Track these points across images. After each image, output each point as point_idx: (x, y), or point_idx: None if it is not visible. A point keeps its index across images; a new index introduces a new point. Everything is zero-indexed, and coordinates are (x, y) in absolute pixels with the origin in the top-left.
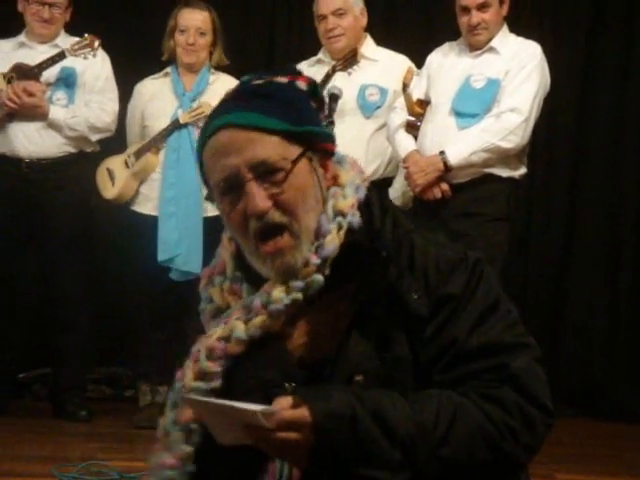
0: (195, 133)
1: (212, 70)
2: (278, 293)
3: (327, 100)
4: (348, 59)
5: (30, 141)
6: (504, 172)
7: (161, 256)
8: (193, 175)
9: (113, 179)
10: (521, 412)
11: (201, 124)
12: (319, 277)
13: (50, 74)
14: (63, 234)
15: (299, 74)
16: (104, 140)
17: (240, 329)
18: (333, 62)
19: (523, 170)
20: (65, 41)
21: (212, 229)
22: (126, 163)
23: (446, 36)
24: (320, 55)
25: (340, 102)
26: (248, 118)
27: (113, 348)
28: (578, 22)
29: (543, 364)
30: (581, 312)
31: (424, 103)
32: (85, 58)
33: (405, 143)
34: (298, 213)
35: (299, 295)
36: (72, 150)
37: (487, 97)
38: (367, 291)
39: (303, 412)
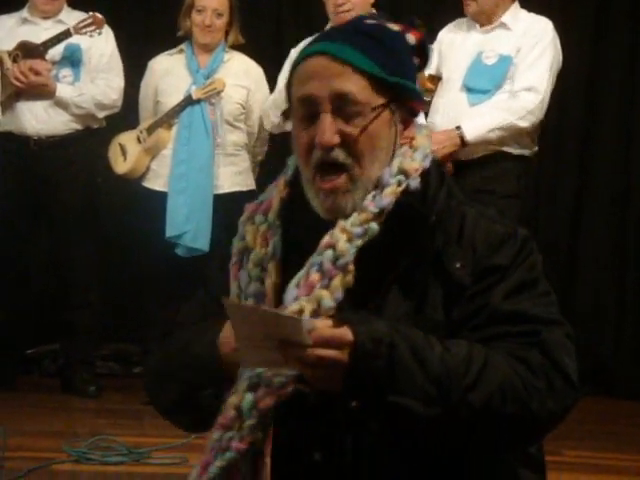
0: (207, 109)
1: (227, 49)
2: (343, 244)
3: None
4: None
5: (38, 119)
6: (515, 150)
7: (169, 232)
8: (204, 152)
9: (125, 154)
10: (546, 376)
11: (214, 100)
12: (375, 225)
13: (55, 52)
14: (72, 210)
15: (414, 28)
16: (111, 116)
17: (327, 297)
18: None
19: (534, 148)
20: (68, 16)
21: (222, 206)
22: (138, 139)
23: (452, 11)
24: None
25: None
26: (347, 53)
27: (122, 324)
28: (586, 4)
29: (574, 342)
30: (589, 292)
31: (435, 79)
32: (91, 36)
33: None
34: (363, 160)
35: (360, 242)
36: (79, 127)
37: (498, 73)
38: (412, 253)
39: (344, 331)
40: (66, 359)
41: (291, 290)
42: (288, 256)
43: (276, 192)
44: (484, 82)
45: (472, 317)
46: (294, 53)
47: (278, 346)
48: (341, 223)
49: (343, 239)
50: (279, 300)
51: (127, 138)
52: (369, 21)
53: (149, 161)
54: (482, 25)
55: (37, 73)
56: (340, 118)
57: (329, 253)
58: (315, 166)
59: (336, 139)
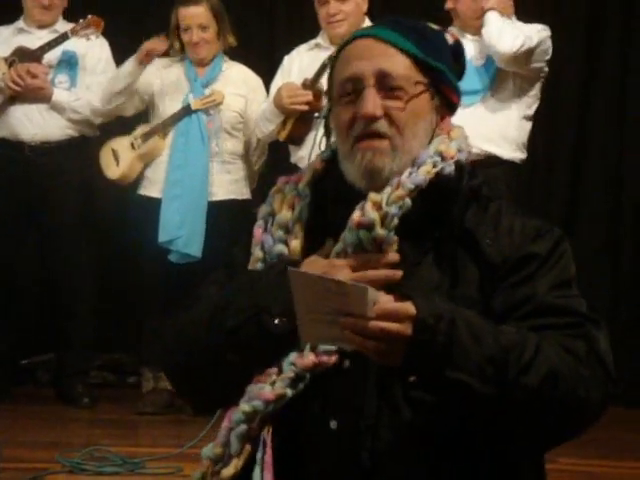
0: (204, 119)
1: (225, 58)
2: (380, 229)
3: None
4: None
5: (33, 124)
6: (505, 153)
7: (162, 237)
8: (200, 159)
9: (118, 159)
10: (591, 366)
11: (212, 112)
12: (409, 201)
13: (51, 57)
14: (66, 218)
15: (448, 29)
16: (105, 124)
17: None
18: (332, 47)
19: (523, 155)
20: (64, 27)
21: (216, 214)
22: (132, 145)
23: (445, 19)
24: (319, 39)
25: None
26: (389, 35)
27: (116, 334)
28: (579, 9)
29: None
30: (582, 296)
31: None
32: (88, 39)
33: None
34: (405, 132)
35: (396, 221)
36: (74, 134)
37: (488, 72)
38: (444, 229)
39: (407, 305)
40: (60, 369)
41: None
42: (314, 224)
43: (310, 166)
44: (474, 82)
45: (518, 306)
46: (287, 60)
47: (339, 319)
48: (373, 196)
49: (377, 219)
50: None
51: (120, 144)
52: (408, 19)
53: (142, 168)
54: (473, 34)
55: (34, 76)
56: (384, 93)
57: (365, 234)
58: (357, 136)
59: (379, 111)
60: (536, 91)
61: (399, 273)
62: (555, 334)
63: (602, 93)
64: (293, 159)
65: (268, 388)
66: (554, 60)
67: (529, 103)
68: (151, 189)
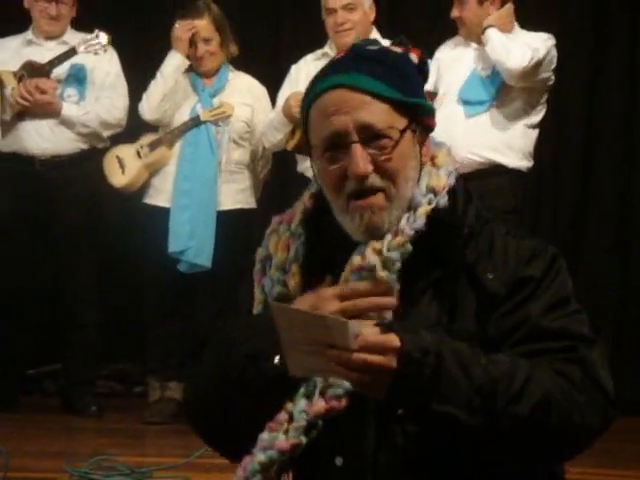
0: (213, 130)
1: (231, 68)
2: (382, 272)
3: None
4: None
5: (43, 138)
6: (510, 162)
7: (172, 247)
8: (209, 169)
9: (123, 167)
10: (587, 391)
11: (221, 123)
12: (409, 246)
13: (60, 71)
14: (74, 230)
15: (410, 46)
16: (114, 135)
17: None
18: None
19: (529, 163)
20: (72, 37)
21: (223, 223)
22: (138, 153)
23: (450, 28)
24: (326, 49)
25: None
26: (362, 81)
27: (123, 344)
28: (584, 12)
29: (609, 362)
30: (590, 305)
31: (432, 95)
32: (96, 54)
33: None
34: (398, 180)
35: (399, 265)
36: (84, 147)
37: (494, 83)
38: (444, 266)
39: (392, 337)
40: (67, 379)
41: None
42: (310, 263)
43: (300, 204)
44: (480, 93)
45: (511, 332)
46: (294, 70)
47: (324, 351)
48: (373, 244)
49: (378, 263)
50: None
51: (125, 152)
52: (371, 47)
53: (147, 177)
54: (479, 43)
55: (43, 92)
56: (369, 146)
57: (367, 275)
58: (349, 195)
59: (370, 167)
60: (542, 99)
61: (391, 300)
62: (549, 359)
63: (609, 95)
64: (300, 168)
65: (282, 437)
66: (560, 62)
67: (535, 112)
68: (157, 198)
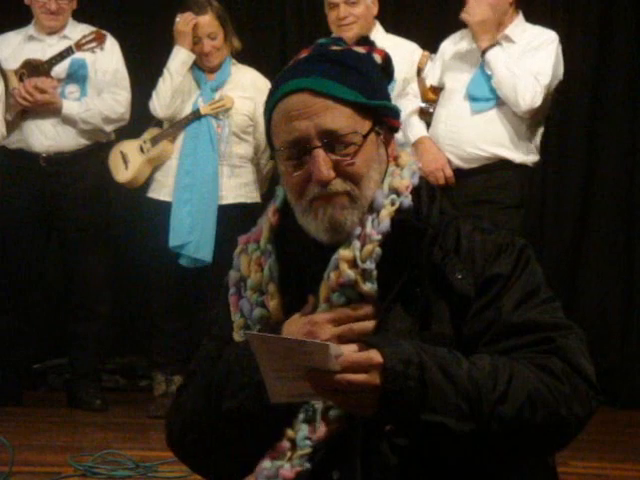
0: (214, 123)
1: (233, 61)
2: (363, 284)
3: None
4: None
5: (46, 136)
6: (517, 157)
7: (172, 242)
8: (210, 163)
9: (127, 163)
10: (569, 381)
11: (221, 117)
12: (379, 250)
13: (61, 68)
14: (82, 224)
15: (375, 46)
16: (120, 129)
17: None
18: None
19: (536, 157)
20: (74, 31)
21: (227, 217)
22: (141, 148)
23: (455, 22)
24: None
25: None
26: (325, 85)
27: (128, 338)
28: (590, 9)
29: (586, 344)
30: (595, 300)
31: (437, 89)
32: (93, 52)
33: (417, 128)
34: (362, 183)
35: (375, 274)
36: (88, 142)
37: None
38: (411, 269)
39: (372, 354)
40: (72, 373)
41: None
42: (285, 278)
43: (265, 221)
44: (485, 90)
45: (484, 332)
46: None
47: (305, 375)
48: (343, 254)
49: (358, 277)
50: (285, 321)
51: (129, 147)
52: (334, 47)
53: (150, 171)
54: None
55: (42, 91)
56: (332, 150)
57: (350, 292)
58: (313, 198)
59: (332, 173)
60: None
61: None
62: (528, 354)
63: (614, 89)
64: None
65: (287, 466)
66: (565, 57)
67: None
68: (160, 192)
